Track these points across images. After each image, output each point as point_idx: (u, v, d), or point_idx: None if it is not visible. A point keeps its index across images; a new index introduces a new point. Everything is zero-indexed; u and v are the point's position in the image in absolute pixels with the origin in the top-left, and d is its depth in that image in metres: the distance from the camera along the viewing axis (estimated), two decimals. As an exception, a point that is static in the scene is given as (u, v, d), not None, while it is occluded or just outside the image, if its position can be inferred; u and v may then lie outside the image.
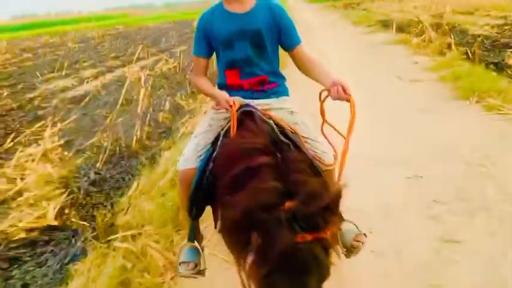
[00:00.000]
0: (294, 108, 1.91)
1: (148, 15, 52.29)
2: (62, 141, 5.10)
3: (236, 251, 1.18)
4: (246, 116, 1.67)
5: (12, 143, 5.19)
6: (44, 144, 4.86)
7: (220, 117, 1.89)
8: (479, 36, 8.83)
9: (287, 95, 1.99)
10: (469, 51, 7.21)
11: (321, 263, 1.02)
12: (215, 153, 1.69)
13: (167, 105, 5.97)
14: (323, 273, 1.04)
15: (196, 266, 1.89)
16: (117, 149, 4.57)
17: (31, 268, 2.77)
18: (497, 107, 4.44)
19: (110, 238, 2.79)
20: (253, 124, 1.59)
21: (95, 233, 2.95)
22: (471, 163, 3.33)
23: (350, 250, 1.87)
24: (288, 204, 1.04)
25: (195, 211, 1.82)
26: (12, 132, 5.73)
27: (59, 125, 5.75)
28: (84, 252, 2.79)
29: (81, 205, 3.50)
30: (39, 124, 5.91)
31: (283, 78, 2.00)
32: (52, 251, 2.95)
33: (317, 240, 1.01)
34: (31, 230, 3.14)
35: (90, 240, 2.86)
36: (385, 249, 2.41)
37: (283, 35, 1.85)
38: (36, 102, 7.55)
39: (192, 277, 1.91)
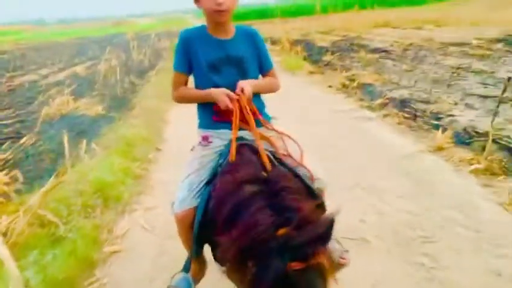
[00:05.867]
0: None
1: (42, 32, 54.52)
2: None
3: (238, 282, 1.36)
4: (241, 147, 1.84)
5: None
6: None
7: (209, 153, 2.00)
8: (319, 46, 15.25)
9: (268, 119, 2.13)
10: (305, 54, 13.29)
11: None
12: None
13: (126, 80, 10.92)
14: None
15: None
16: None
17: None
18: (298, 73, 10.29)
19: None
20: (244, 156, 1.78)
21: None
22: (288, 92, 8.88)
23: (335, 268, 1.97)
24: (281, 231, 1.18)
25: (198, 249, 1.96)
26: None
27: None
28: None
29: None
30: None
31: (263, 105, 2.17)
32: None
33: (310, 267, 1.14)
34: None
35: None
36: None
37: (261, 61, 2.10)
38: (26, 86, 11.89)
39: None
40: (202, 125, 2.12)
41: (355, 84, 8.54)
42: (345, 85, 8.54)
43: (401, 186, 3.93)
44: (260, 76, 2.17)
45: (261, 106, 2.14)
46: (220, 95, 1.86)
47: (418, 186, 3.90)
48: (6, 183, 4.17)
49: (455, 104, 6.66)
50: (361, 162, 4.59)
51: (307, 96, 7.91)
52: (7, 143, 6.34)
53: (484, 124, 5.30)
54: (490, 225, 3.16)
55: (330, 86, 8.59)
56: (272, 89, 2.17)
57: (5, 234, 3.26)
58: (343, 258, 1.99)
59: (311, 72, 10.20)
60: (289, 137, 2.00)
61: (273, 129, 2.01)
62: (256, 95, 2.07)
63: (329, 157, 4.66)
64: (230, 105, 1.83)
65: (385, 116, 6.34)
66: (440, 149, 4.76)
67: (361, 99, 7.45)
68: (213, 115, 2.02)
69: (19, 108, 9.12)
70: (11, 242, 3.14)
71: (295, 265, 1.11)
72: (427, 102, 6.88)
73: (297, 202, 1.33)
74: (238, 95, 1.85)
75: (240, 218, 1.32)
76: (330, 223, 1.13)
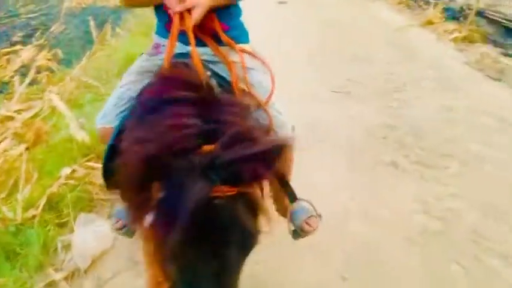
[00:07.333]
0: (251, 62, 1.48)
1: None
2: None
3: (133, 208, 0.95)
4: (180, 64, 1.31)
5: None
6: None
7: (152, 64, 1.54)
8: None
9: (246, 41, 1.57)
10: None
11: (244, 227, 0.85)
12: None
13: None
14: (247, 240, 0.87)
15: (124, 226, 1.70)
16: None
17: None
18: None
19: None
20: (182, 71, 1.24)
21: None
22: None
23: (298, 233, 1.68)
24: (207, 148, 0.86)
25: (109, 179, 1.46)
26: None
27: None
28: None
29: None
30: None
31: (239, 14, 1.56)
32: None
33: (240, 196, 0.85)
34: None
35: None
36: None
37: None
38: None
39: (119, 234, 1.76)
40: (157, 31, 1.63)
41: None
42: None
43: (390, 55, 4.57)
44: None
45: (231, 19, 1.51)
46: None
47: (403, 53, 4.54)
48: (49, 59, 4.94)
49: (459, -15, 6.98)
50: (360, 36, 5.19)
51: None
52: (38, 33, 7.03)
53: (480, 3, 5.74)
54: (451, 77, 3.86)
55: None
56: None
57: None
58: (308, 224, 1.64)
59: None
60: (263, 63, 1.51)
61: (241, 51, 1.46)
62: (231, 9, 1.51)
63: (331, 33, 5.27)
64: (174, 9, 1.32)
65: (389, -3, 6.77)
66: (430, 23, 5.29)
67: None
68: (166, 22, 1.50)
69: (40, 3, 9.65)
70: (65, 100, 3.97)
71: (223, 190, 0.82)
72: (432, -16, 7.20)
73: (235, 117, 0.97)
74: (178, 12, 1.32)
75: (154, 117, 0.95)
76: (277, 145, 0.86)
